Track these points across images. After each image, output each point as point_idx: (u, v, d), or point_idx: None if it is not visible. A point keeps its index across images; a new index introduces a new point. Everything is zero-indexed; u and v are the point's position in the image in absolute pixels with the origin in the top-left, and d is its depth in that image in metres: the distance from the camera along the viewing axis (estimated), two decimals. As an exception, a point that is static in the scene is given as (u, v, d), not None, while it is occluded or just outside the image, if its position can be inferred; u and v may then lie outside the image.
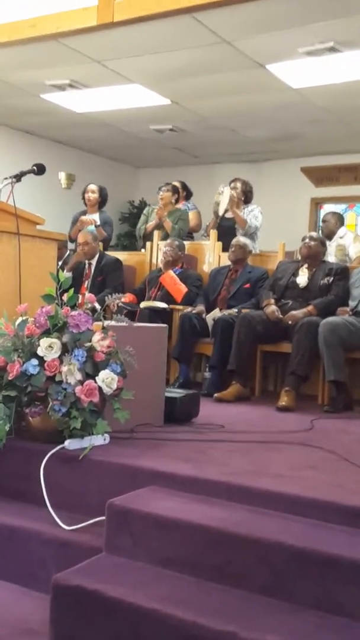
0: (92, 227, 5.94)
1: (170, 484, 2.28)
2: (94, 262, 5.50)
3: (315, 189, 8.39)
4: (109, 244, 6.42)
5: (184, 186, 6.80)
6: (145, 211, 6.38)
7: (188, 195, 6.90)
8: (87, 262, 5.52)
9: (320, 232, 5.96)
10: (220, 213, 5.71)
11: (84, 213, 6.26)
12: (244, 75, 5.63)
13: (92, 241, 5.48)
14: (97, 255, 5.51)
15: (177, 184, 6.51)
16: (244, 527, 1.93)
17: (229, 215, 5.67)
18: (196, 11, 4.45)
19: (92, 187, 6.29)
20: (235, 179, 5.81)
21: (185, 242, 5.59)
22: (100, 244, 5.81)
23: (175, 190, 6.20)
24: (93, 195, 6.22)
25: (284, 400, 3.96)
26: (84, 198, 6.32)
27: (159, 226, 5.90)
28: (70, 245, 6.21)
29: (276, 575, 1.82)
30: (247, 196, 5.72)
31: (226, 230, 5.55)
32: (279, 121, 6.90)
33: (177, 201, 6.23)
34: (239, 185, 5.71)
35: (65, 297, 2.66)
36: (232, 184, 5.73)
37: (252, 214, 5.59)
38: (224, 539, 1.91)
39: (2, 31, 5.11)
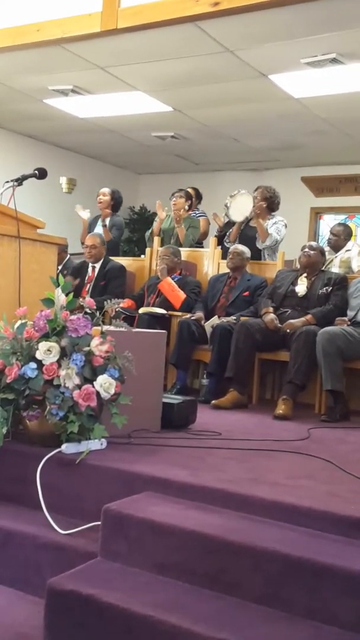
0: (85, 213, 5.92)
1: (166, 490, 2.28)
2: (98, 265, 5.49)
3: (315, 198, 8.42)
4: (117, 249, 6.34)
5: (197, 193, 6.64)
6: (157, 217, 6.30)
7: (198, 201, 6.78)
8: (91, 265, 5.52)
9: (326, 243, 5.85)
10: (232, 218, 5.46)
11: (97, 219, 6.24)
12: (246, 85, 5.66)
13: (99, 245, 5.48)
14: (102, 260, 5.51)
15: (190, 190, 6.39)
16: (239, 535, 1.93)
17: (253, 223, 5.38)
18: (200, 20, 4.48)
19: (104, 190, 6.23)
20: (257, 188, 5.48)
21: (185, 250, 5.60)
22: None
23: (188, 196, 6.11)
24: (104, 198, 6.16)
25: (281, 409, 3.96)
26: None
27: (167, 231, 5.83)
28: (76, 250, 6.20)
29: (271, 584, 1.82)
30: (269, 203, 5.35)
31: (247, 239, 5.35)
32: (281, 131, 6.93)
33: (190, 208, 6.14)
34: (259, 194, 5.37)
35: (64, 301, 2.66)
36: (255, 193, 5.43)
37: (275, 227, 5.32)
38: (219, 546, 1.91)
39: (6, 35, 5.13)
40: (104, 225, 5.97)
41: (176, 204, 5.96)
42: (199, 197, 6.65)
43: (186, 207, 6.00)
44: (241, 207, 5.43)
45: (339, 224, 5.89)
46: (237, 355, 4.29)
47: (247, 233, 5.48)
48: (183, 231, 5.76)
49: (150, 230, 6.16)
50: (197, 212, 6.56)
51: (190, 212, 6.16)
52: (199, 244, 6.23)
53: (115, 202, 6.23)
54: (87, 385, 2.50)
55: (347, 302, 4.41)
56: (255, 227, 5.34)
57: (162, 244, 5.74)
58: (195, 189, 6.66)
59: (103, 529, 2.09)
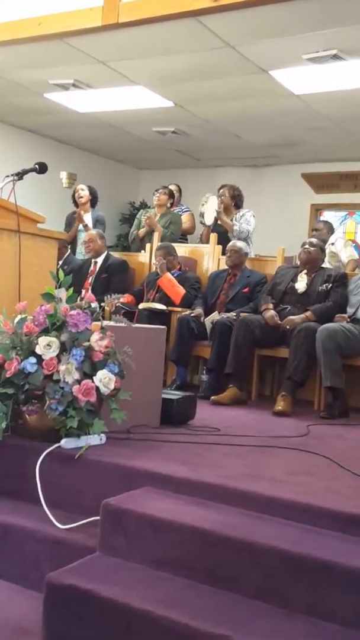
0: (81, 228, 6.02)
1: (165, 485, 2.28)
2: (99, 260, 5.56)
3: (315, 195, 8.41)
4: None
5: (179, 190, 6.88)
6: (139, 215, 6.43)
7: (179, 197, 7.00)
8: (92, 260, 5.58)
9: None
10: (208, 223, 5.71)
11: (75, 214, 6.29)
12: (247, 81, 5.65)
13: (98, 239, 5.55)
14: (104, 255, 5.57)
15: (173, 187, 6.58)
16: (238, 531, 1.93)
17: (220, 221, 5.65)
18: (201, 15, 4.46)
19: (82, 186, 6.35)
20: (223, 186, 5.77)
21: (186, 245, 5.62)
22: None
23: (171, 194, 6.28)
24: (83, 193, 6.25)
25: (280, 405, 3.96)
26: (74, 201, 6.34)
27: (152, 231, 5.92)
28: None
29: (269, 580, 1.82)
30: (236, 201, 5.67)
31: (220, 235, 5.53)
32: (281, 127, 6.92)
33: (172, 205, 6.31)
34: (226, 192, 5.66)
35: (64, 296, 2.66)
36: (220, 191, 5.71)
37: (243, 219, 5.54)
38: (217, 541, 1.91)
39: (8, 29, 5.12)
40: (86, 225, 6.03)
41: (159, 199, 6.10)
42: (180, 193, 6.83)
43: (168, 205, 6.17)
44: (211, 209, 5.67)
45: (319, 221, 6.10)
46: (236, 351, 4.29)
47: (218, 230, 5.63)
48: (160, 230, 5.85)
49: (133, 232, 6.22)
50: (182, 207, 6.68)
51: (174, 208, 6.35)
52: (183, 239, 6.33)
53: (93, 197, 6.34)
54: (87, 381, 2.49)
55: (347, 299, 4.40)
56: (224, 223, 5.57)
57: (140, 243, 5.88)
58: (178, 187, 6.82)
59: (102, 524, 2.09)
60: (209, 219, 5.72)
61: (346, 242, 5.94)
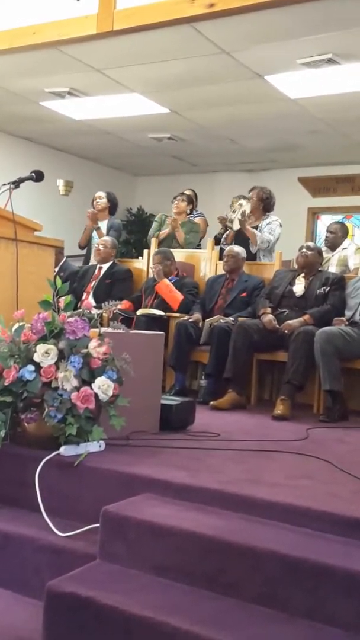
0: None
1: (165, 491, 2.27)
2: (105, 266, 5.59)
3: (312, 199, 8.43)
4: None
5: (195, 195, 6.78)
6: (157, 218, 6.29)
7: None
8: (98, 265, 5.62)
9: (324, 242, 5.92)
10: (235, 228, 5.51)
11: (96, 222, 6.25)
12: (242, 86, 5.67)
13: (109, 247, 5.59)
14: (110, 262, 5.61)
15: (189, 192, 6.48)
16: (238, 536, 1.93)
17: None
18: (196, 21, 4.48)
19: (100, 193, 6.23)
20: (253, 188, 5.58)
21: (183, 251, 5.61)
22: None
23: (190, 200, 6.17)
24: (101, 201, 6.18)
25: (279, 409, 3.96)
26: (94, 208, 6.21)
27: (172, 235, 5.88)
28: (74, 252, 6.23)
29: (270, 585, 1.82)
30: (265, 204, 5.46)
31: (244, 240, 5.35)
32: (277, 131, 6.94)
33: (191, 211, 6.21)
34: (254, 195, 5.46)
35: (62, 304, 2.66)
36: (250, 194, 5.52)
37: (268, 227, 5.35)
38: (218, 547, 1.91)
39: (2, 38, 5.14)
40: (97, 228, 5.99)
41: (178, 207, 6.02)
42: (196, 198, 6.72)
43: (187, 211, 6.07)
44: (238, 216, 5.46)
45: (336, 222, 5.97)
46: (235, 356, 4.29)
47: (244, 234, 5.47)
48: (182, 235, 5.81)
49: (156, 234, 6.14)
50: (195, 213, 6.60)
51: (189, 215, 6.22)
52: (198, 246, 6.28)
53: (112, 205, 6.24)
54: (85, 388, 2.49)
55: (345, 302, 4.41)
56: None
57: (160, 245, 5.76)
58: (193, 191, 6.72)
59: (102, 531, 2.09)
60: (235, 226, 5.49)
61: (357, 249, 5.87)
